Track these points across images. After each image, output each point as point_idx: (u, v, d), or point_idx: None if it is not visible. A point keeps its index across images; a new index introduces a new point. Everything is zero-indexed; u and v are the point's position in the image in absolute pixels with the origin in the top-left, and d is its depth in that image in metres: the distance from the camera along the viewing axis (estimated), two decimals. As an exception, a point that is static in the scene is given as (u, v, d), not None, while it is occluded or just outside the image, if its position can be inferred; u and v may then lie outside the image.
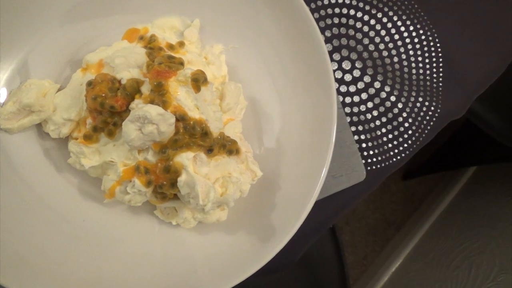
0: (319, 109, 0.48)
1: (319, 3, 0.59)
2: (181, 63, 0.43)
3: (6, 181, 0.42)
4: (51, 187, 0.45)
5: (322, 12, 0.58)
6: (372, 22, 0.60)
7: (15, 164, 0.43)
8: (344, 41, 0.59)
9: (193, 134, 0.41)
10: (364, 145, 0.59)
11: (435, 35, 0.62)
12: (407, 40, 0.62)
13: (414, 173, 1.77)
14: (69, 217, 0.45)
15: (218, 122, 0.44)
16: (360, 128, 0.59)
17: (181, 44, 0.49)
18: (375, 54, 0.60)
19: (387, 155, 0.60)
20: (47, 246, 0.43)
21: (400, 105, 0.60)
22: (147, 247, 0.47)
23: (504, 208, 1.35)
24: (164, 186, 0.42)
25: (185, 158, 0.41)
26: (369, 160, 0.59)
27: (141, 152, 0.42)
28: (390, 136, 0.60)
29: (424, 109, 0.61)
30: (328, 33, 0.58)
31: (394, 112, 0.60)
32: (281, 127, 0.50)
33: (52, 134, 0.45)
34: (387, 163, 0.60)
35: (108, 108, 0.41)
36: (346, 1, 0.59)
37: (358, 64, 0.59)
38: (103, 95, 0.41)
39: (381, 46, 0.60)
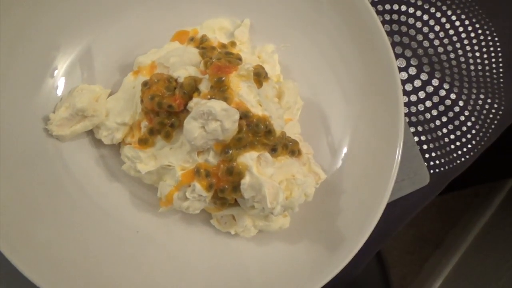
0: (385, 110, 0.45)
1: None
2: (239, 59, 0.40)
3: (64, 188, 0.40)
4: (106, 197, 0.43)
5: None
6: (425, 17, 0.57)
7: (72, 172, 0.41)
8: (397, 38, 0.56)
9: (256, 132, 0.38)
10: (425, 146, 0.55)
11: (492, 28, 0.59)
12: (463, 35, 0.58)
13: (450, 187, 1.70)
14: (124, 227, 0.42)
15: (281, 120, 0.41)
16: (420, 128, 0.55)
17: (233, 44, 0.47)
18: (431, 51, 0.57)
19: (451, 156, 0.56)
20: (102, 253, 0.40)
21: (461, 103, 0.56)
22: (202, 259, 0.44)
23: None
24: (226, 190, 0.39)
25: (249, 158, 0.38)
26: (432, 163, 0.55)
27: (201, 153, 0.39)
28: (453, 136, 0.56)
29: (487, 106, 0.57)
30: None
31: (455, 110, 0.56)
32: (344, 128, 0.47)
33: (105, 140, 0.42)
34: (451, 166, 0.56)
35: (166, 108, 0.38)
36: (396, -3, 0.57)
37: (413, 62, 0.56)
38: (160, 94, 0.38)
39: (436, 42, 0.57)
